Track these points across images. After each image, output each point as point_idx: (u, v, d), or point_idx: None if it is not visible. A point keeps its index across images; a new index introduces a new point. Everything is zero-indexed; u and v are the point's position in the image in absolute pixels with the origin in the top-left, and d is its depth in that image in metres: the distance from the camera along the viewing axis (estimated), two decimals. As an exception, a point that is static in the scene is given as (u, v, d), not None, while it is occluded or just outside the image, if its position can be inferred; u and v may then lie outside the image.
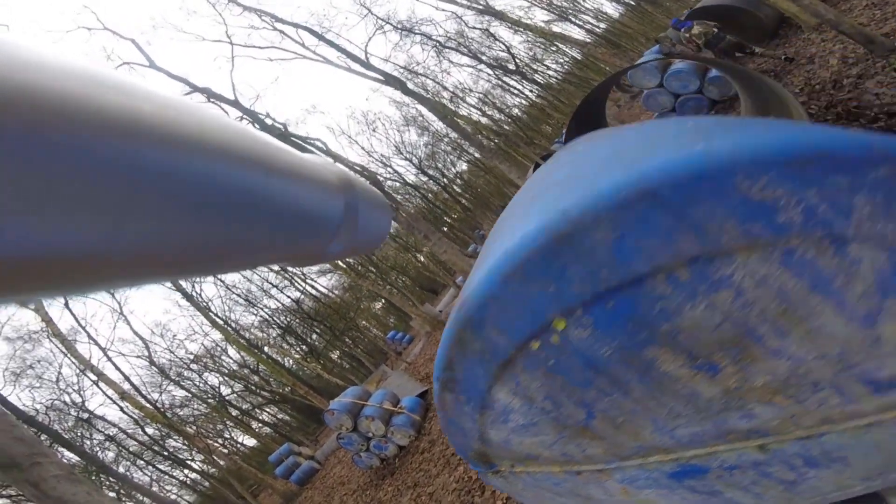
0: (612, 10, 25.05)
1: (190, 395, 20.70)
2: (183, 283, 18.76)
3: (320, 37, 20.91)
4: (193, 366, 21.13)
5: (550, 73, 26.12)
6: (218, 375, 21.94)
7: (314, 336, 25.84)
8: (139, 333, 19.41)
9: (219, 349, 21.68)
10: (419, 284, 32.40)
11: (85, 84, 0.20)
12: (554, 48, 25.05)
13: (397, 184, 25.95)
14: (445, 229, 27.57)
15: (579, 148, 1.10)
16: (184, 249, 0.28)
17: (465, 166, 29.41)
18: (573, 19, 24.05)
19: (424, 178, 27.44)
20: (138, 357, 19.59)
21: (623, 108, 18.52)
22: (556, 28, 24.53)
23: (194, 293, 18.77)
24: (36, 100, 0.17)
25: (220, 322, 19.47)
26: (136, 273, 0.25)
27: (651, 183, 0.52)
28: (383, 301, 26.80)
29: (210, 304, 20.22)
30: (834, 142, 0.50)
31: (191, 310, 18.93)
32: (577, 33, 24.97)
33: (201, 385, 21.57)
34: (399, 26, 23.53)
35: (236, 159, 0.31)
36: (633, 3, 24.06)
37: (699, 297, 0.56)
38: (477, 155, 23.47)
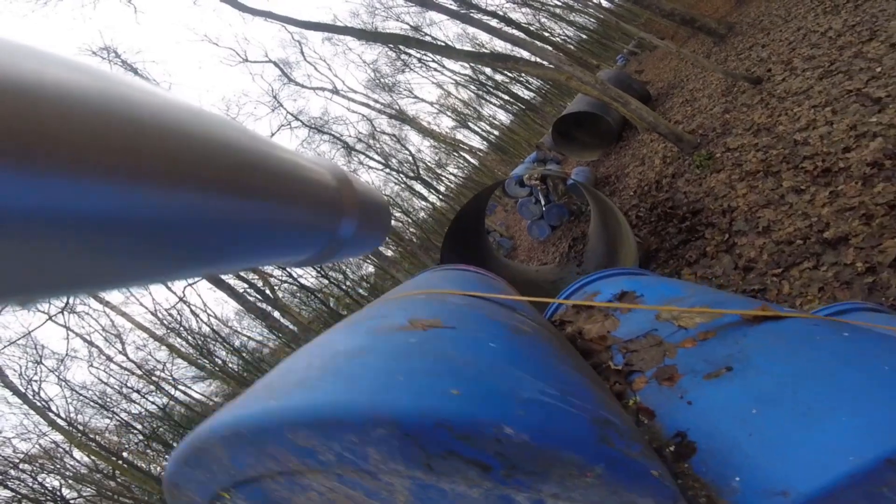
0: (504, 118, 26.83)
1: (18, 497, 17.29)
2: (16, 380, 16.20)
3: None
4: (24, 466, 17.74)
5: (452, 178, 27.04)
6: (59, 478, 18.51)
7: (185, 444, 22.77)
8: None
9: (61, 450, 18.48)
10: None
11: (87, 82, 0.20)
12: (456, 154, 26.10)
13: (294, 287, 24.69)
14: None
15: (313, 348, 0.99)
16: (183, 248, 0.28)
17: (371, 269, 28.79)
18: (472, 126, 25.41)
19: (325, 282, 26.30)
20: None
21: (510, 212, 19.11)
22: (459, 135, 25.68)
23: (29, 391, 16.20)
24: (40, 96, 0.17)
25: (63, 423, 16.77)
26: (132, 274, 0.26)
27: (238, 427, 0.67)
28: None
29: (51, 403, 17.42)
30: (343, 406, 0.63)
31: (24, 408, 16.25)
32: (475, 140, 26.27)
33: (35, 486, 18.04)
34: (309, 123, 23.75)
35: (235, 158, 0.31)
36: (519, 109, 25.99)
37: (298, 493, 0.72)
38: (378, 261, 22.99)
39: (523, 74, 23.48)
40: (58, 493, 18.49)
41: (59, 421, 16.73)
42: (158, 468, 21.21)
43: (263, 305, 15.12)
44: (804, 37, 6.47)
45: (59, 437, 17.65)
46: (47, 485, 18.42)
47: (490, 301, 1.29)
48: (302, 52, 22.74)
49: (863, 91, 4.73)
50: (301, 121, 23.12)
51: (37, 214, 0.17)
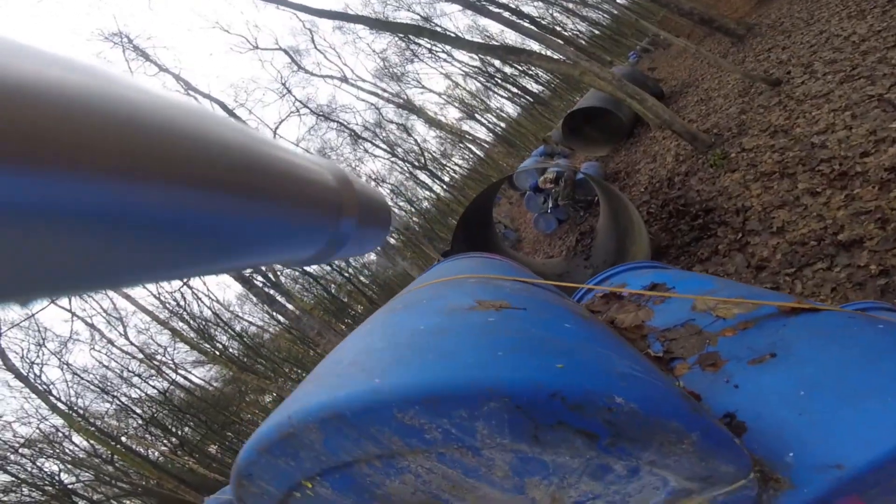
0: (512, 111, 26.82)
1: (18, 482, 17.29)
2: (18, 363, 16.25)
3: (230, 112, 20.61)
4: (24, 450, 17.81)
5: (457, 168, 27.09)
6: (58, 462, 18.63)
7: (186, 429, 22.89)
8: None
9: (60, 435, 18.58)
10: (318, 377, 30.10)
11: (86, 81, 0.21)
12: (462, 145, 26.07)
13: (296, 272, 24.73)
14: (349, 321, 26.29)
15: (375, 324, 1.10)
16: (181, 249, 0.29)
17: (373, 257, 28.80)
18: (479, 117, 25.38)
19: (328, 269, 26.40)
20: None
21: (515, 204, 19.14)
22: (465, 126, 25.58)
23: (30, 374, 16.26)
24: (35, 93, 0.17)
25: (63, 407, 16.83)
26: (130, 274, 0.26)
27: (338, 408, 0.67)
28: (274, 394, 24.48)
29: (52, 387, 17.50)
30: (456, 381, 0.66)
31: (25, 391, 16.32)
32: (481, 132, 26.16)
33: (34, 471, 18.08)
34: (317, 111, 23.69)
35: (233, 157, 0.32)
36: (528, 102, 25.98)
37: (392, 476, 0.73)
38: (381, 249, 23.02)
39: (532, 67, 23.49)
40: (56, 478, 18.57)
41: (59, 405, 16.75)
42: (156, 452, 21.34)
43: (268, 290, 15.16)
44: (826, 40, 6.42)
45: (59, 422, 17.66)
46: (46, 469, 18.53)
47: (540, 287, 1.34)
48: (312, 41, 22.65)
49: (885, 97, 4.69)
50: (309, 108, 23.05)
51: (36, 215, 0.17)
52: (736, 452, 0.70)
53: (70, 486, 18.94)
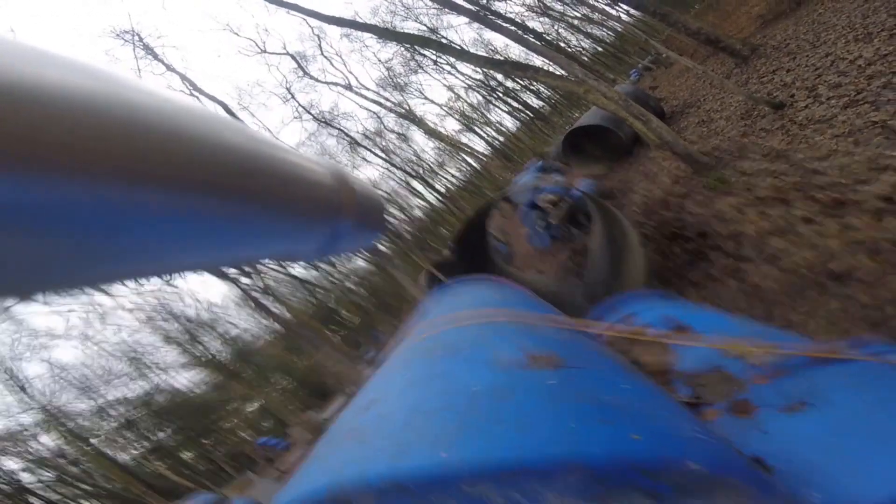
0: (511, 125, 26.96)
1: None
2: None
3: (232, 113, 20.56)
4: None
5: (452, 179, 27.17)
6: (19, 460, 18.17)
7: (161, 434, 22.49)
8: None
9: (26, 433, 18.14)
10: (307, 387, 29.90)
11: (88, 83, 0.21)
12: (458, 156, 26.12)
13: (282, 276, 24.48)
14: (335, 328, 26.13)
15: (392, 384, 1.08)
16: (182, 245, 0.29)
17: (361, 263, 28.66)
18: (478, 130, 25.45)
19: (315, 273, 26.20)
20: None
21: (508, 218, 18.99)
22: (463, 138, 25.62)
23: (7, 370, 15.94)
24: (42, 94, 0.17)
25: (37, 406, 16.47)
26: (130, 269, 0.27)
27: (402, 481, 0.64)
28: (259, 403, 24.19)
29: (27, 384, 17.12)
30: (533, 458, 0.64)
31: (-3, 386, 15.94)
32: (479, 145, 26.19)
33: None
34: (319, 117, 23.67)
35: (234, 157, 0.32)
36: (527, 117, 26.16)
37: None
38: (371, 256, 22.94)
39: (534, 83, 23.57)
40: (14, 477, 18.01)
41: (31, 403, 16.43)
42: (127, 456, 20.93)
43: (258, 296, 14.98)
44: (832, 63, 6.27)
45: (28, 420, 17.41)
46: (5, 467, 17.99)
47: (576, 330, 1.39)
48: (320, 47, 22.65)
49: (888, 123, 4.55)
50: (311, 114, 23.03)
51: (41, 212, 0.17)
52: (779, 497, 0.74)
53: (28, 486, 18.40)
